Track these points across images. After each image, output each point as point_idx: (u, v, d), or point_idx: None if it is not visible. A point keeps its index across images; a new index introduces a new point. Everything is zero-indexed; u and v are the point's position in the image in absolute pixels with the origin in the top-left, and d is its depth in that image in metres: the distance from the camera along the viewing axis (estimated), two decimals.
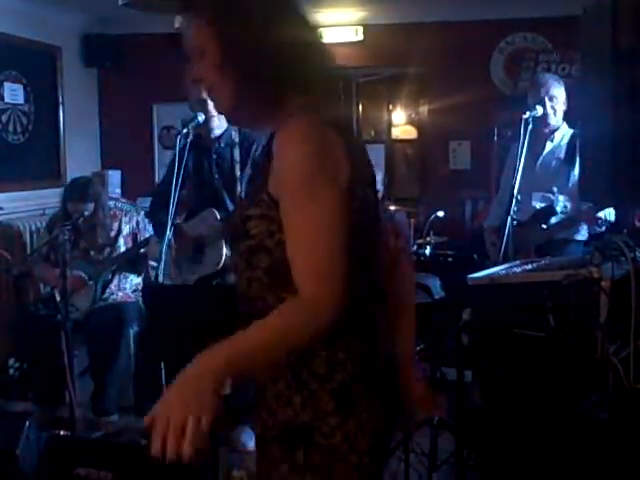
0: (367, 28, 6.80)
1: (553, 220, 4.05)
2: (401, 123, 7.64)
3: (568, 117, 4.16)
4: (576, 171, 3.96)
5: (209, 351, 1.49)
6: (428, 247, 4.70)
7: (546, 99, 4.08)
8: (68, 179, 5.51)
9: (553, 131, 4.18)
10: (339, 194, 1.52)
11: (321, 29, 1.80)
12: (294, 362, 1.58)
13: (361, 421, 1.59)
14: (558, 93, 4.10)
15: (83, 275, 4.59)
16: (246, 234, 1.60)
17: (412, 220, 6.07)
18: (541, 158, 4.20)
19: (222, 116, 4.11)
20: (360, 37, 6.83)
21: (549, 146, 4.20)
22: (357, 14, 6.53)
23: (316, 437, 1.57)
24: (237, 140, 4.08)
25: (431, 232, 5.02)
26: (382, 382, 1.66)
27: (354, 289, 1.51)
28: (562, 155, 4.12)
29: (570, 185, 4.03)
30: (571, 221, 4.03)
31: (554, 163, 4.16)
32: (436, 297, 3.78)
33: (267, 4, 1.64)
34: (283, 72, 1.62)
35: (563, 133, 4.18)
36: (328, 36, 6.85)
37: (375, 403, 1.62)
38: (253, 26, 1.60)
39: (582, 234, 4.07)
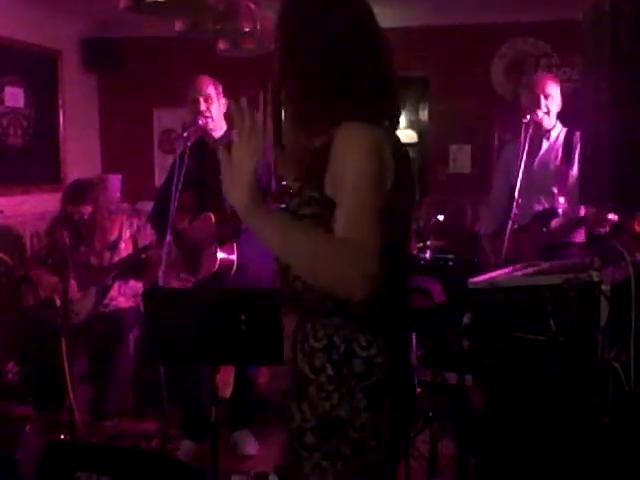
0: None
1: (555, 223, 4.04)
2: (401, 127, 7.65)
3: (561, 116, 4.16)
4: (574, 171, 3.96)
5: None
6: (428, 251, 4.70)
7: (541, 97, 4.07)
8: (68, 182, 5.51)
9: (548, 130, 4.17)
10: (385, 193, 1.64)
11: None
12: (337, 359, 1.70)
13: (387, 419, 1.73)
14: (554, 92, 4.10)
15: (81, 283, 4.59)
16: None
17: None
18: (538, 158, 4.19)
19: (221, 118, 4.15)
20: None
21: (545, 145, 4.19)
22: None
23: (348, 430, 1.69)
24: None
25: (431, 236, 5.02)
26: (407, 382, 1.82)
27: (390, 285, 1.65)
28: (559, 154, 4.12)
29: (569, 185, 4.02)
30: (574, 224, 4.02)
31: (552, 163, 4.15)
32: (436, 301, 3.77)
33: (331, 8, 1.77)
34: (341, 78, 1.73)
35: (558, 132, 4.17)
36: None
37: (400, 402, 1.76)
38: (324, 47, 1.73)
39: (581, 236, 4.06)
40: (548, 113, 4.09)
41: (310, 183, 1.71)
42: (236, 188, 1.61)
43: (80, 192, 4.63)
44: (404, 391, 1.79)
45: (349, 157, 1.63)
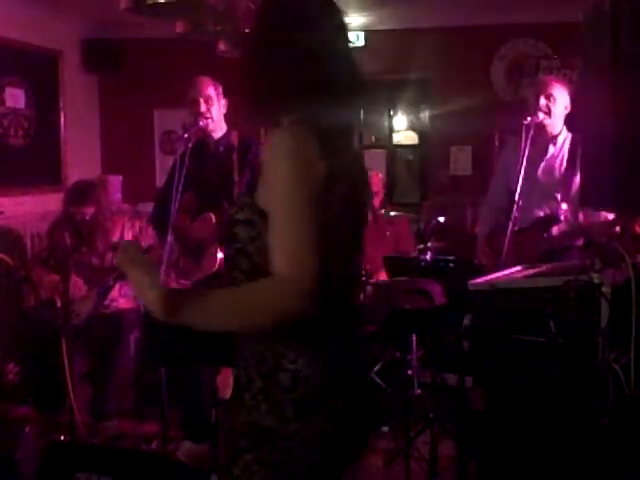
0: (368, 34, 6.82)
1: (556, 229, 4.02)
2: (402, 129, 7.65)
3: (568, 121, 4.13)
4: (578, 177, 3.92)
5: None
6: (429, 252, 4.69)
7: (541, 98, 4.04)
8: (69, 183, 5.51)
9: (555, 136, 4.13)
10: (315, 200, 1.64)
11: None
12: (265, 372, 1.75)
13: (317, 426, 1.75)
14: (557, 93, 4.06)
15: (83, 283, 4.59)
16: (233, 237, 1.75)
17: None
18: (543, 164, 4.16)
19: (221, 119, 4.15)
20: (361, 42, 6.84)
21: (551, 151, 4.15)
22: (358, 19, 6.54)
23: (276, 440, 1.73)
24: (236, 144, 4.08)
25: (432, 237, 5.01)
26: (346, 387, 1.81)
27: (324, 287, 1.63)
28: (565, 160, 4.08)
29: (573, 192, 3.98)
30: (577, 232, 3.98)
31: (557, 169, 4.11)
32: (437, 303, 3.77)
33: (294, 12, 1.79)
34: (289, 81, 1.76)
35: (564, 137, 4.14)
36: None
37: (335, 407, 1.77)
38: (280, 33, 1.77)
39: (582, 241, 4.04)
40: (549, 114, 4.05)
41: (245, 189, 1.77)
42: (147, 304, 1.66)
43: (82, 193, 4.63)
44: (343, 402, 1.79)
45: (275, 169, 1.67)
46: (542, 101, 4.02)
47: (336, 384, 1.78)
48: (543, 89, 4.05)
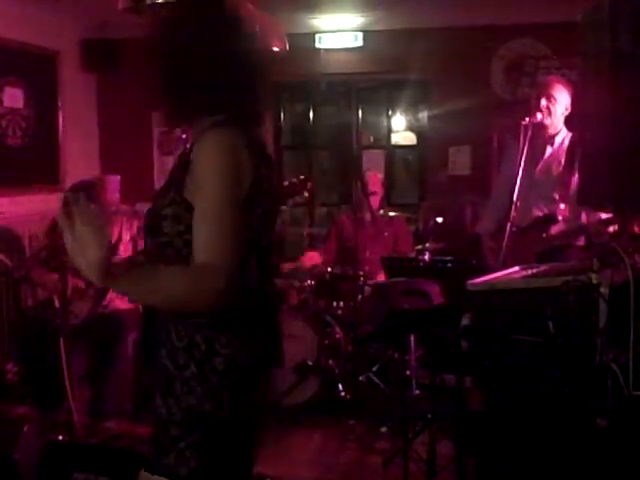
0: (367, 34, 6.82)
1: (554, 229, 4.02)
2: (401, 129, 7.64)
3: (567, 121, 4.14)
4: (577, 177, 3.92)
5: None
6: (427, 253, 4.70)
7: (542, 99, 4.04)
8: (67, 183, 5.51)
9: (553, 135, 4.14)
10: (241, 199, 1.74)
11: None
12: (199, 357, 1.79)
13: (249, 409, 1.86)
14: (558, 94, 4.06)
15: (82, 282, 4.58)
16: (159, 232, 1.81)
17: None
18: (541, 164, 4.17)
19: None
20: (360, 43, 6.84)
21: (549, 151, 4.16)
22: (357, 20, 6.54)
23: (212, 424, 1.80)
24: None
25: (430, 238, 5.02)
26: (261, 376, 1.91)
27: (244, 280, 1.76)
28: (562, 160, 4.09)
29: (571, 191, 3.99)
30: (574, 232, 3.99)
31: (555, 168, 4.12)
32: (435, 303, 3.77)
33: (205, 19, 1.84)
34: (211, 86, 1.82)
35: (563, 137, 4.14)
36: (327, 42, 6.86)
37: (261, 391, 1.90)
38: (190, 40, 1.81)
39: (580, 240, 4.04)
40: (550, 115, 4.06)
41: (172, 185, 1.82)
42: (86, 264, 1.63)
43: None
44: (262, 387, 1.91)
45: (206, 168, 1.74)
46: (543, 102, 4.03)
47: (262, 369, 1.90)
48: (544, 90, 4.06)
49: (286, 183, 3.94)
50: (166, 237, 1.80)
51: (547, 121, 4.06)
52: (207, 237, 1.70)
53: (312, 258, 5.64)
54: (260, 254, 1.87)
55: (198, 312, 1.75)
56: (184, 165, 1.81)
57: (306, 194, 4.05)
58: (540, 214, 4.10)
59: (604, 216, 3.66)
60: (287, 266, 5.74)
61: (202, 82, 1.82)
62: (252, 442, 1.96)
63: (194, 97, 1.83)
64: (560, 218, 4.02)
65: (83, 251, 1.61)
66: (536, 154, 4.13)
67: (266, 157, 1.90)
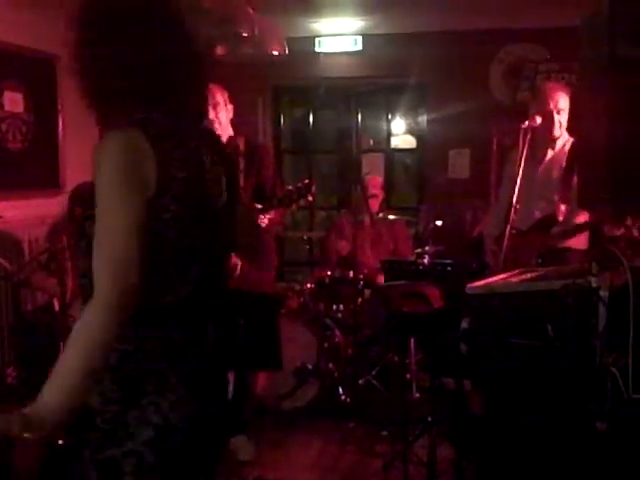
0: (366, 38, 6.83)
1: (555, 229, 4.04)
2: (400, 132, 7.65)
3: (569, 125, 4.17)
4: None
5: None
6: (427, 256, 4.70)
7: (554, 113, 4.09)
8: (67, 187, 5.51)
9: (555, 139, 4.18)
10: (140, 203, 1.70)
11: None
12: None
13: (146, 413, 1.73)
14: (563, 103, 4.10)
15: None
16: (84, 232, 1.79)
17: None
18: (542, 166, 4.20)
19: (228, 123, 4.18)
20: (359, 47, 6.85)
21: (550, 154, 4.20)
22: (356, 24, 6.55)
23: (97, 421, 1.74)
24: (242, 149, 4.13)
25: (430, 241, 5.02)
26: (193, 373, 1.80)
27: (159, 290, 1.73)
28: (563, 163, 4.11)
29: (572, 194, 4.00)
30: (575, 231, 4.01)
31: (555, 171, 4.14)
32: (434, 306, 3.78)
33: (135, 18, 1.80)
34: (135, 91, 1.79)
35: (564, 140, 4.18)
36: (327, 46, 6.87)
37: (171, 397, 1.75)
38: (111, 46, 1.77)
39: (580, 242, 4.05)
40: (560, 126, 4.13)
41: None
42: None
43: (88, 193, 4.63)
44: (192, 380, 1.79)
45: (96, 170, 1.77)
46: (555, 116, 4.08)
47: (170, 370, 1.77)
48: (550, 99, 4.10)
49: (290, 187, 3.96)
50: (88, 238, 1.76)
51: (557, 132, 4.12)
52: (99, 260, 1.66)
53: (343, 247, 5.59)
54: (173, 260, 1.78)
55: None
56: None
57: (310, 198, 4.06)
58: (541, 216, 4.12)
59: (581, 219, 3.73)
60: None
61: (122, 72, 1.77)
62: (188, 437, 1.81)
63: (113, 87, 1.79)
64: (561, 219, 4.04)
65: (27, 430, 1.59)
66: (537, 157, 4.17)
67: (194, 159, 1.83)
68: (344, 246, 5.54)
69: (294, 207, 4.05)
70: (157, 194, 1.72)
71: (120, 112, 1.83)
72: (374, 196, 5.59)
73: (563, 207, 4.03)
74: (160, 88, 1.82)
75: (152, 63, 1.79)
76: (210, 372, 1.88)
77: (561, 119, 4.11)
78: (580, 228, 3.98)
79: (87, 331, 1.63)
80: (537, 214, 4.14)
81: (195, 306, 1.85)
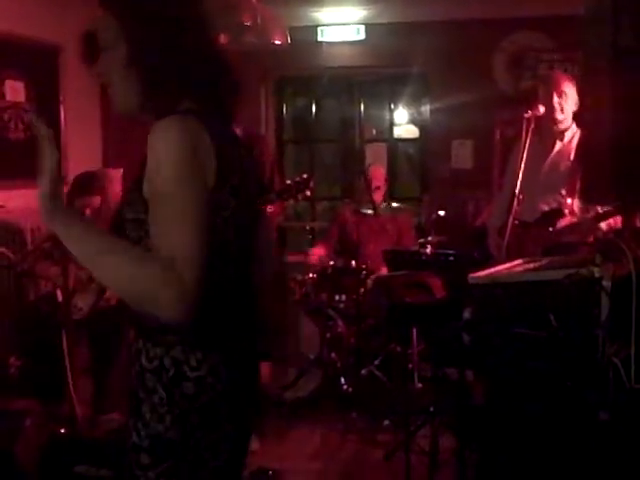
0: (369, 27, 6.80)
1: (561, 223, 4.01)
2: (403, 122, 7.63)
3: (576, 117, 4.14)
4: None
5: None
6: (429, 246, 4.70)
7: (554, 95, 4.05)
8: (69, 177, 5.50)
9: (563, 131, 4.15)
10: (204, 194, 1.57)
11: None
12: (167, 382, 1.68)
13: (225, 432, 1.72)
14: (568, 90, 4.07)
15: (86, 274, 4.58)
16: (124, 234, 1.67)
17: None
18: (549, 159, 4.17)
19: None
20: (362, 36, 6.83)
21: (558, 146, 4.16)
22: (359, 13, 6.53)
23: (183, 452, 1.67)
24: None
25: (432, 231, 5.02)
26: (246, 392, 1.78)
27: (214, 285, 1.59)
28: (572, 156, 4.09)
29: (578, 186, 3.97)
30: (582, 227, 3.97)
31: (563, 164, 4.12)
32: (437, 296, 3.78)
33: (176, 9, 1.74)
34: (184, 78, 1.70)
35: (573, 133, 4.14)
36: (329, 35, 6.85)
37: (238, 413, 1.75)
38: (160, 29, 1.71)
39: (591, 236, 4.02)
40: (562, 111, 4.08)
41: (134, 183, 1.67)
42: (39, 192, 1.59)
43: (89, 183, 4.64)
44: (242, 410, 1.77)
45: (160, 157, 1.56)
46: (555, 98, 4.04)
47: (237, 390, 1.74)
48: (555, 86, 4.07)
49: (289, 182, 3.94)
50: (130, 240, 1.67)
51: (560, 116, 4.07)
52: (163, 242, 1.53)
53: (318, 253, 5.65)
54: (233, 265, 1.71)
55: (167, 328, 1.62)
56: (143, 159, 1.64)
57: (308, 193, 4.05)
58: (547, 209, 4.10)
59: (600, 210, 3.67)
60: (293, 258, 5.74)
61: (172, 67, 1.69)
62: (232, 468, 1.82)
63: (162, 66, 1.69)
64: (567, 212, 4.01)
65: (40, 177, 1.58)
66: (544, 149, 4.14)
67: (238, 161, 1.73)
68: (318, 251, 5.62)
69: (292, 201, 4.03)
70: (216, 187, 1.60)
71: (168, 99, 1.70)
72: (378, 188, 5.59)
73: (569, 200, 4.00)
74: (206, 74, 1.74)
75: (196, 48, 1.73)
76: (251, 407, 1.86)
77: (565, 106, 4.08)
78: (607, 215, 3.92)
79: (144, 275, 1.52)
80: (543, 207, 4.11)
81: (246, 325, 1.79)
